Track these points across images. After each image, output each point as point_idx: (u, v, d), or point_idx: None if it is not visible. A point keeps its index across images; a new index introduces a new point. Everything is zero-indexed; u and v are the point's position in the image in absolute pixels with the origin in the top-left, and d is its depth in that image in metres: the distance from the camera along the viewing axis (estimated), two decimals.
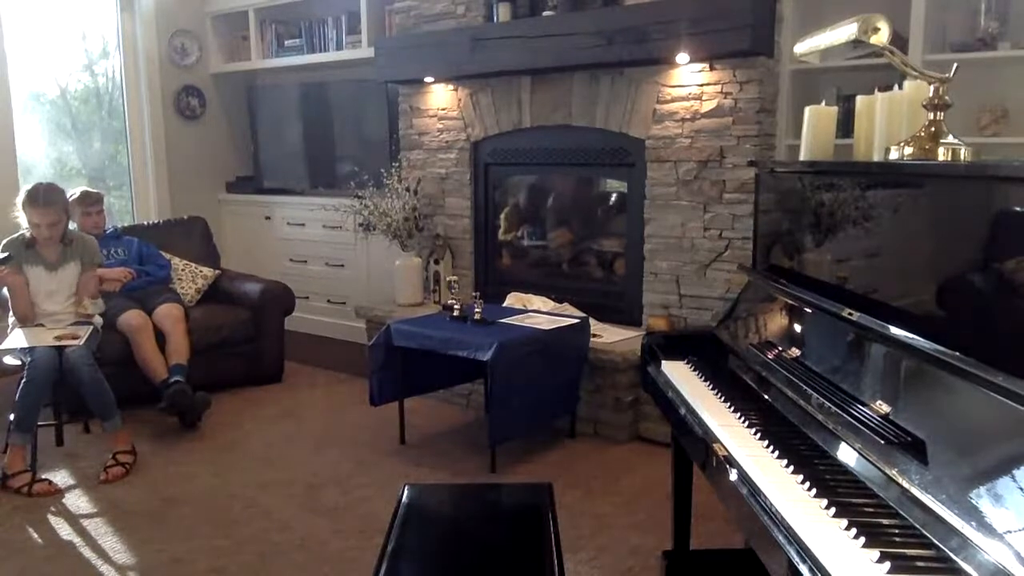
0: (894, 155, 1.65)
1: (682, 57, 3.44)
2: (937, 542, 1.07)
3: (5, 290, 3.44)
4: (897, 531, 1.15)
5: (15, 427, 3.08)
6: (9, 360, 3.39)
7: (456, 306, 3.52)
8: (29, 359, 3.19)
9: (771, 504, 1.28)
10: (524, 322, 3.45)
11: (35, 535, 2.76)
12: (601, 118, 3.85)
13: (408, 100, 4.61)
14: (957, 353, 1.23)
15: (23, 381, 3.14)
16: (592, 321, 3.68)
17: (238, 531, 2.76)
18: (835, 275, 1.79)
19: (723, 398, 1.81)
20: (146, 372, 3.73)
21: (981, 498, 1.04)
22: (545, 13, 3.90)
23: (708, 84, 3.50)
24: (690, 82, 3.55)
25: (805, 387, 1.55)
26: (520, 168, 4.31)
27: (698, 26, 3.31)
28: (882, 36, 1.65)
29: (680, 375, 2.03)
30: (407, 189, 4.44)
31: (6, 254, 3.37)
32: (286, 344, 4.55)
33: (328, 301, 5.38)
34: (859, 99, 1.90)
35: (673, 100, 3.61)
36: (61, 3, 5.20)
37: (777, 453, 1.47)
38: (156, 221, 4.92)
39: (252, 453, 3.46)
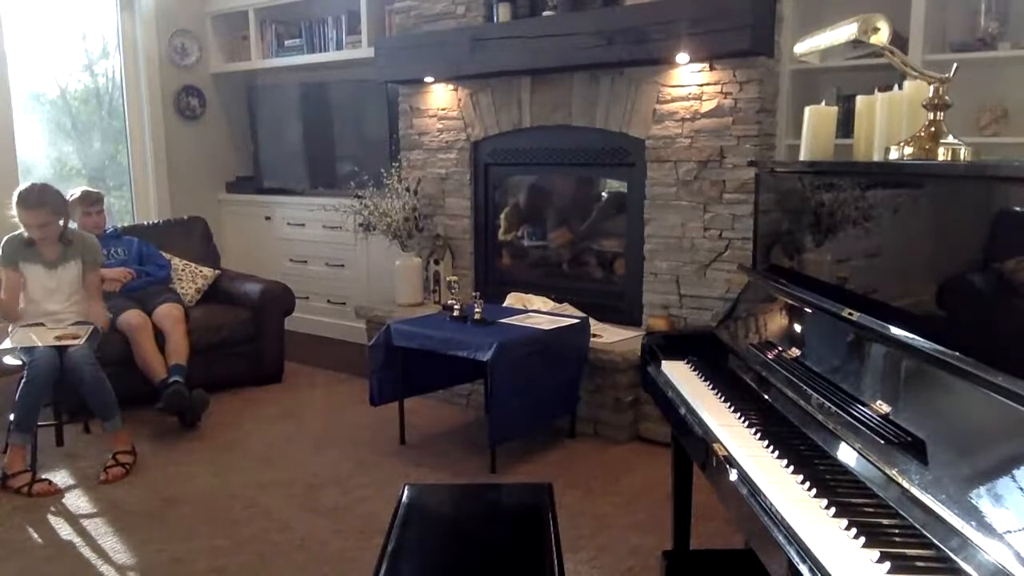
0: (894, 155, 1.65)
1: (682, 57, 3.44)
2: (937, 542, 1.07)
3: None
4: (897, 531, 1.15)
5: (15, 427, 3.08)
6: (9, 360, 3.39)
7: (456, 306, 3.52)
8: (29, 359, 3.19)
9: (771, 504, 1.28)
10: (524, 322, 3.45)
11: (35, 535, 2.76)
12: (601, 118, 3.85)
13: (408, 100, 4.61)
14: (957, 353, 1.23)
15: (23, 381, 3.14)
16: (592, 321, 3.68)
17: (238, 531, 2.76)
18: (835, 275, 1.79)
19: (723, 398, 1.81)
20: (146, 372, 3.73)
21: (981, 498, 1.04)
22: (545, 13, 3.90)
23: (708, 84, 3.50)
24: (690, 82, 3.55)
25: (805, 387, 1.55)
26: (520, 168, 4.32)
27: (698, 26, 3.31)
28: (882, 36, 1.65)
29: (680, 375, 2.03)
30: (407, 189, 4.44)
31: None
32: (286, 344, 4.55)
33: (328, 301, 5.38)
34: (859, 99, 1.90)
35: (673, 100, 3.61)
36: (61, 3, 5.20)
37: (777, 453, 1.47)
38: (156, 221, 4.92)
39: (252, 453, 3.46)
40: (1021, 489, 1.00)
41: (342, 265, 5.26)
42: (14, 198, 3.40)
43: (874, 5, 1.89)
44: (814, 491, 1.30)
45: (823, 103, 2.12)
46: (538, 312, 3.70)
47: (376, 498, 2.99)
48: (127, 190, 5.63)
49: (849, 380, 1.49)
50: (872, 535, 1.14)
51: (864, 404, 1.38)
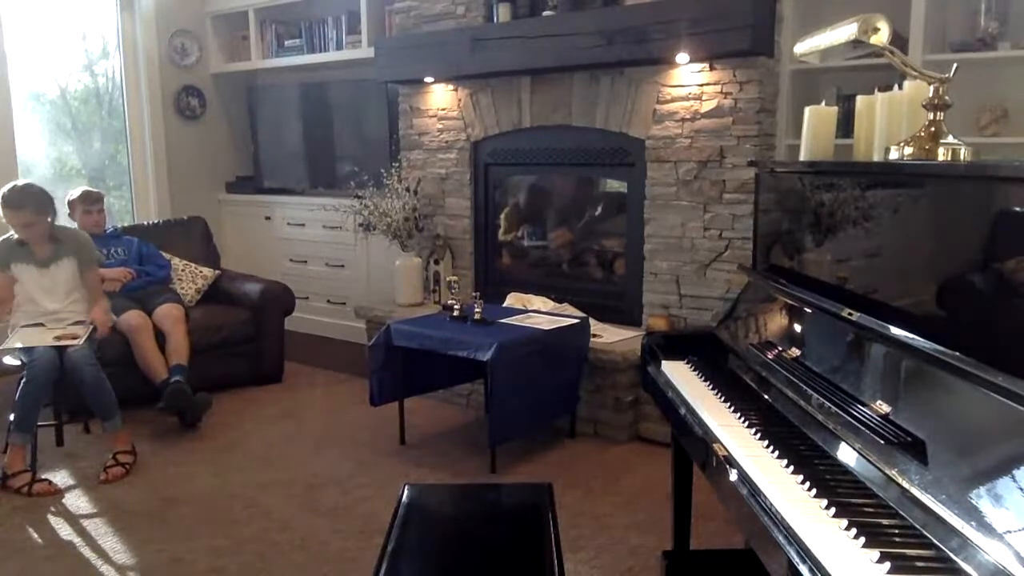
0: (894, 155, 1.65)
1: (682, 57, 3.44)
2: (937, 542, 1.07)
3: None
4: (897, 531, 1.15)
5: (15, 427, 3.08)
6: (9, 360, 3.39)
7: (456, 306, 3.52)
8: (28, 359, 3.19)
9: (771, 504, 1.28)
10: (524, 322, 3.45)
11: (35, 535, 2.77)
12: (601, 118, 3.85)
13: (408, 100, 4.61)
14: (957, 353, 1.23)
15: (23, 381, 3.14)
16: (592, 321, 3.68)
17: (238, 531, 2.76)
18: (835, 275, 1.79)
19: (723, 398, 1.81)
20: (146, 372, 3.73)
21: (981, 498, 1.04)
22: (545, 13, 3.90)
23: (708, 84, 3.50)
24: (690, 82, 3.55)
25: (805, 387, 1.55)
26: (520, 168, 4.31)
27: (698, 26, 3.31)
28: (882, 36, 1.65)
29: (680, 375, 2.03)
30: (407, 189, 4.44)
31: None
32: (286, 344, 4.55)
33: (328, 301, 5.38)
34: (859, 99, 1.90)
35: (673, 100, 3.61)
36: (61, 3, 5.20)
37: (777, 453, 1.47)
38: (156, 221, 4.92)
39: (252, 453, 3.46)
40: (1021, 489, 1.00)
41: (342, 265, 5.26)
42: None
43: (874, 5, 1.89)
44: (814, 491, 1.30)
45: (823, 103, 2.12)
46: (538, 312, 3.70)
47: (376, 498, 2.99)
48: (127, 190, 5.64)
49: (849, 380, 1.49)
50: (872, 535, 1.14)
51: (864, 404, 1.38)
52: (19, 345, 3.25)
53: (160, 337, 3.84)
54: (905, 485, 1.17)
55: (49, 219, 3.46)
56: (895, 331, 1.40)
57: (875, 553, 1.08)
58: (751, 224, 2.46)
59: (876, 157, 1.78)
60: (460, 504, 2.15)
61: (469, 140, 4.36)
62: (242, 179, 5.89)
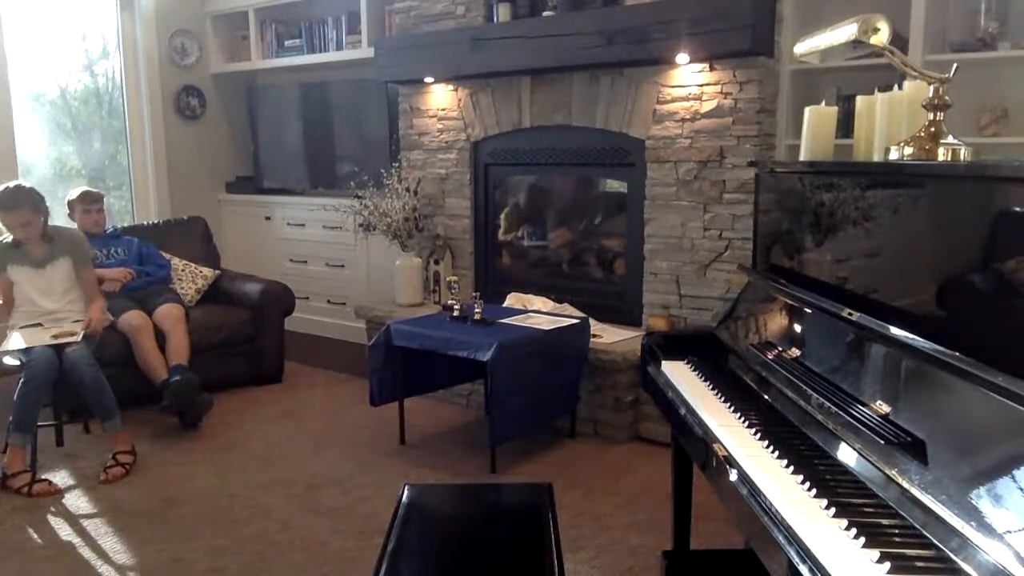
0: (894, 155, 1.65)
1: (682, 57, 3.44)
2: (937, 542, 1.07)
3: None
4: (897, 531, 1.15)
5: (14, 427, 3.08)
6: (8, 360, 3.39)
7: (456, 306, 3.52)
8: (27, 359, 3.19)
9: (771, 504, 1.28)
10: (524, 322, 3.45)
11: (35, 535, 2.77)
12: (601, 118, 3.85)
13: (408, 100, 4.61)
14: (957, 353, 1.23)
15: (21, 381, 3.14)
16: (592, 321, 3.68)
17: (238, 531, 2.76)
18: (835, 275, 1.79)
19: (723, 398, 1.81)
20: (146, 372, 3.73)
21: (981, 498, 1.04)
22: (545, 13, 3.90)
23: (708, 84, 3.50)
24: (690, 82, 3.55)
25: (805, 387, 1.55)
26: (520, 168, 4.31)
27: (698, 26, 3.31)
28: (882, 36, 1.65)
29: (680, 375, 2.03)
30: (407, 189, 4.44)
31: None
32: (286, 344, 4.55)
33: (328, 301, 5.38)
34: (859, 99, 1.90)
35: (673, 100, 3.61)
36: (61, 3, 5.20)
37: (777, 453, 1.47)
38: (156, 221, 4.92)
39: (252, 453, 3.46)
40: (1021, 489, 1.00)
41: (342, 265, 5.26)
42: None
43: (874, 5, 1.90)
44: (814, 491, 1.30)
45: (823, 103, 2.12)
46: (538, 312, 3.70)
47: (376, 498, 2.99)
48: (127, 190, 5.64)
49: (849, 380, 1.49)
50: (872, 535, 1.14)
51: (864, 404, 1.38)
52: (18, 346, 3.25)
53: (160, 337, 3.84)
54: (905, 485, 1.17)
55: (43, 218, 3.46)
56: (895, 331, 1.40)
57: (875, 553, 1.08)
58: (751, 224, 2.46)
59: (876, 157, 1.78)
60: (460, 504, 2.15)
61: (469, 140, 4.36)
62: (242, 179, 5.89)
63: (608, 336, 3.66)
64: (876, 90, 1.85)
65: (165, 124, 5.56)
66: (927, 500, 1.11)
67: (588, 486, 3.08)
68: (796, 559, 1.13)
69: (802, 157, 2.01)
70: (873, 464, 1.26)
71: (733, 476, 1.43)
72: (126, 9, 5.38)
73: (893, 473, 1.20)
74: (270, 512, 2.89)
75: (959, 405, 1.23)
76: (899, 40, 2.93)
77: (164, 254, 4.44)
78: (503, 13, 4.04)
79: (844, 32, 1.71)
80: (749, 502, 1.33)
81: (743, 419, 1.67)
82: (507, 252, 4.51)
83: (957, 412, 1.23)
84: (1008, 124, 3.03)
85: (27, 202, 3.35)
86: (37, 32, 5.13)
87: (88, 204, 4.11)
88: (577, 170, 4.15)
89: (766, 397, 1.71)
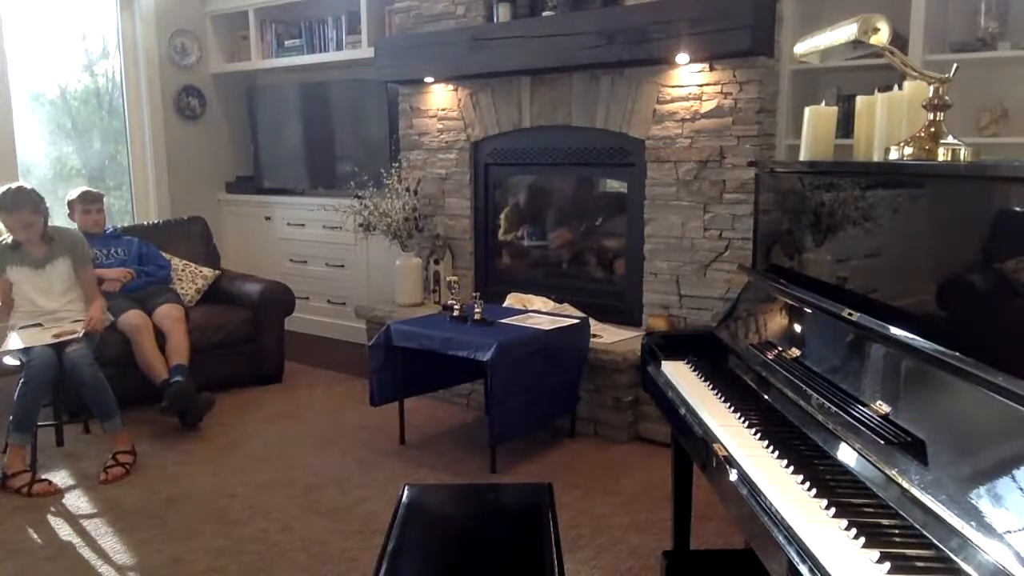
0: (894, 155, 1.65)
1: (682, 57, 3.44)
2: (937, 542, 1.07)
3: None
4: (897, 531, 1.15)
5: (14, 427, 3.08)
6: (9, 360, 3.39)
7: (456, 306, 3.52)
8: (27, 359, 3.19)
9: (771, 504, 1.28)
10: (524, 322, 3.45)
11: (35, 535, 2.76)
12: (601, 118, 3.85)
13: (408, 100, 4.61)
14: (957, 353, 1.23)
15: (21, 381, 3.14)
16: (592, 321, 3.68)
17: (238, 531, 2.76)
18: (835, 275, 1.79)
19: (723, 398, 1.81)
20: (146, 372, 3.73)
21: (981, 498, 1.04)
22: (545, 13, 3.90)
23: (708, 84, 3.50)
24: (690, 82, 3.55)
25: (805, 387, 1.55)
26: (520, 168, 4.31)
27: (698, 26, 3.31)
28: (882, 36, 1.65)
29: (680, 375, 2.03)
30: (407, 189, 4.44)
31: None
32: (286, 344, 4.55)
33: (328, 301, 5.38)
34: (859, 99, 1.90)
35: (673, 100, 3.61)
36: (61, 3, 5.20)
37: (777, 453, 1.47)
38: (156, 221, 4.92)
39: (252, 453, 3.46)
40: (1021, 489, 1.00)
41: (342, 265, 5.26)
42: None
43: (874, 5, 1.90)
44: (814, 491, 1.30)
45: (823, 103, 2.12)
46: (538, 312, 3.70)
47: (376, 498, 2.99)
48: (127, 190, 5.64)
49: (849, 380, 1.49)
50: (872, 535, 1.14)
51: (864, 404, 1.38)
52: (18, 345, 3.25)
53: (160, 337, 3.84)
54: (905, 485, 1.17)
55: (44, 219, 3.46)
56: (895, 331, 1.40)
57: (875, 553, 1.08)
58: (751, 224, 2.46)
59: (876, 157, 1.78)
60: (460, 504, 2.15)
61: (469, 140, 4.36)
62: (242, 179, 5.89)
63: (608, 336, 3.66)
64: (876, 90, 1.85)
65: (165, 124, 5.56)
66: (927, 500, 1.11)
67: (588, 486, 3.08)
68: (796, 559, 1.13)
69: (802, 157, 2.01)
70: (873, 464, 1.26)
71: (733, 476, 1.43)
72: (126, 9, 5.38)
73: (893, 473, 1.20)
74: (270, 512, 2.89)
75: (959, 405, 1.23)
76: (899, 40, 2.93)
77: (164, 254, 4.44)
78: (503, 13, 4.04)
79: (844, 32, 1.71)
80: (749, 502, 1.33)
81: (743, 419, 1.67)
82: (507, 252, 4.51)
83: (957, 412, 1.23)
84: (1008, 124, 3.03)
85: (28, 203, 3.36)
86: (37, 32, 5.13)
87: (88, 204, 4.11)
88: (577, 170, 4.15)
89: (766, 397, 1.71)
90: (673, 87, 3.60)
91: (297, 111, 5.50)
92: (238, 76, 5.80)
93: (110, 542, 2.69)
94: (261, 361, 4.42)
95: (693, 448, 1.77)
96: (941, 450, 1.17)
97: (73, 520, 2.87)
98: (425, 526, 1.95)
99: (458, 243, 4.50)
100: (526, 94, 4.10)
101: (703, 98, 3.52)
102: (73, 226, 4.04)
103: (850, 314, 1.56)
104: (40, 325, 3.41)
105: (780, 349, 1.77)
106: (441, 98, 4.45)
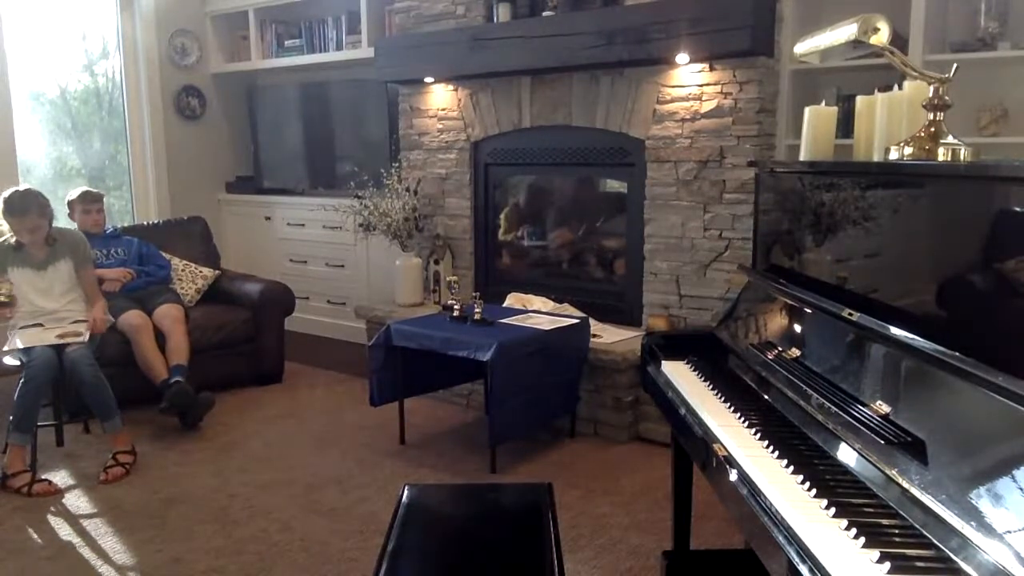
0: (894, 155, 1.65)
1: (682, 57, 3.44)
2: (937, 542, 1.07)
3: None
4: (897, 531, 1.15)
5: (14, 427, 3.08)
6: (9, 360, 3.39)
7: (456, 306, 3.52)
8: (27, 359, 3.19)
9: (771, 504, 1.28)
10: (524, 322, 3.45)
11: (35, 535, 2.76)
12: (601, 118, 3.85)
13: (408, 100, 4.61)
14: (957, 353, 1.23)
15: (21, 381, 3.14)
16: (592, 321, 3.68)
17: (238, 531, 2.76)
18: (835, 275, 1.79)
19: (723, 398, 1.81)
20: (146, 372, 3.73)
21: (981, 498, 1.04)
22: (545, 13, 3.90)
23: (708, 84, 3.50)
24: (690, 82, 3.55)
25: (805, 387, 1.55)
26: (520, 168, 4.32)
27: (698, 26, 3.31)
28: (882, 36, 1.65)
29: (680, 375, 2.03)
30: (407, 189, 4.44)
31: None
32: (286, 344, 4.55)
33: (328, 301, 5.38)
34: (859, 99, 1.90)
35: (673, 100, 3.61)
36: (61, 3, 5.20)
37: (777, 453, 1.47)
38: (156, 221, 4.92)
39: (252, 453, 3.46)
40: (1021, 489, 1.00)
41: (342, 265, 5.26)
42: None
43: (874, 5, 1.90)
44: (814, 491, 1.30)
45: (823, 103, 2.12)
46: (538, 312, 3.70)
47: (376, 498, 2.99)
48: (127, 190, 5.64)
49: (849, 380, 1.49)
50: (872, 535, 1.14)
51: (864, 404, 1.38)
52: (19, 345, 3.25)
53: (160, 337, 3.84)
54: (905, 485, 1.17)
55: (49, 222, 3.47)
56: (895, 331, 1.40)
57: (875, 553, 1.08)
58: (751, 224, 2.46)
59: (876, 157, 1.78)
60: (460, 504, 2.15)
61: (469, 140, 4.36)
62: (242, 179, 5.89)
63: (608, 336, 3.66)
64: (876, 90, 1.85)
65: (165, 124, 5.56)
66: (927, 500, 1.11)
67: (588, 486, 3.08)
68: (796, 559, 1.13)
69: (802, 157, 2.01)
70: (873, 464, 1.26)
71: (733, 476, 1.43)
72: (126, 9, 5.38)
73: (893, 473, 1.20)
74: (270, 512, 2.89)
75: (959, 405, 1.23)
76: (899, 40, 2.93)
77: (164, 254, 4.44)
78: (503, 13, 4.04)
79: (844, 32, 1.71)
80: (749, 502, 1.33)
81: (743, 419, 1.67)
82: (507, 252, 4.51)
83: (957, 412, 1.23)
84: (1008, 124, 3.03)
85: (35, 207, 3.37)
86: (37, 32, 5.13)
87: (88, 204, 4.11)
88: (577, 170, 4.15)
89: (766, 397, 1.71)
90: (673, 87, 3.60)
91: (297, 111, 5.50)
92: (238, 76, 5.80)
93: (110, 542, 2.69)
94: (261, 361, 4.42)
95: (693, 448, 1.77)
96: (941, 450, 1.17)
97: (73, 520, 2.87)
98: (425, 526, 1.95)
99: (458, 243, 4.50)
100: (526, 94, 4.10)
101: (703, 98, 3.52)
102: (73, 226, 4.04)
103: (850, 314, 1.56)
104: (41, 325, 3.41)
105: (780, 349, 1.77)
106: (441, 98, 4.45)
